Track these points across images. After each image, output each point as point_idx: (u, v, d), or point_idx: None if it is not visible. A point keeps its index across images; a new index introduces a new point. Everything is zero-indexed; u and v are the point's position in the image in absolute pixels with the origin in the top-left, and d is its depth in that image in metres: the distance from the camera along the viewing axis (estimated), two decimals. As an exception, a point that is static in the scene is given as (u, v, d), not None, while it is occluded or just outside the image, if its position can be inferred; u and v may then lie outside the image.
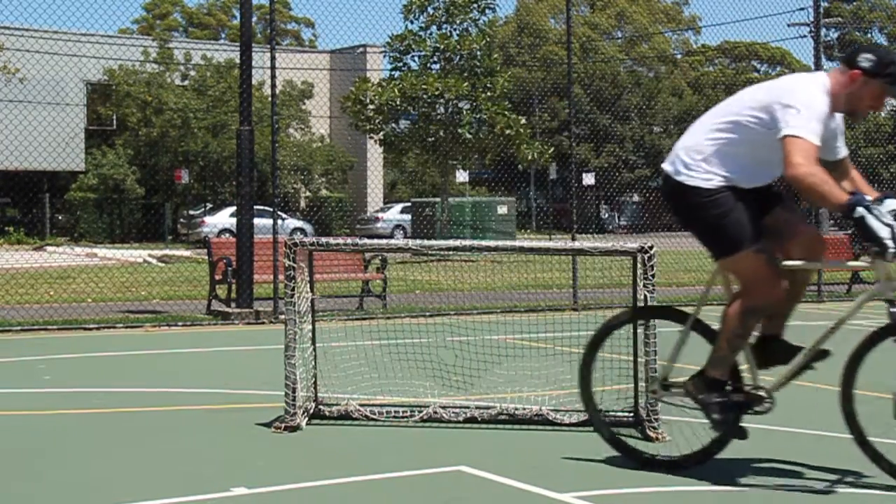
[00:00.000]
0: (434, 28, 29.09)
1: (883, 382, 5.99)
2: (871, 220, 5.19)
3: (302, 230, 35.77)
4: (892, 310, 5.54)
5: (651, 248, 6.48)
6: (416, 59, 29.45)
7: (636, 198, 54.57)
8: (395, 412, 6.77)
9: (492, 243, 6.92)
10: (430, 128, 28.57)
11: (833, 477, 5.58)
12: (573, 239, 15.17)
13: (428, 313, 13.66)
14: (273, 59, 13.76)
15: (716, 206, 5.45)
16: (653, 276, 6.47)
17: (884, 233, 5.20)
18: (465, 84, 27.91)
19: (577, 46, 44.33)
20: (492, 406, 6.82)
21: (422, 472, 5.55)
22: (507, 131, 28.29)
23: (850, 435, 5.47)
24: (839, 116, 5.67)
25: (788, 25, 37.31)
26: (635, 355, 6.64)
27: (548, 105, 49.59)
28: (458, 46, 28.38)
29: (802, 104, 5.33)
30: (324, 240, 6.73)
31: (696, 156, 5.55)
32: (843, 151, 5.74)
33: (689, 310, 5.93)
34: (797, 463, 5.90)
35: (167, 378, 8.75)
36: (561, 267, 18.45)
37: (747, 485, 5.42)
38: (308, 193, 42.56)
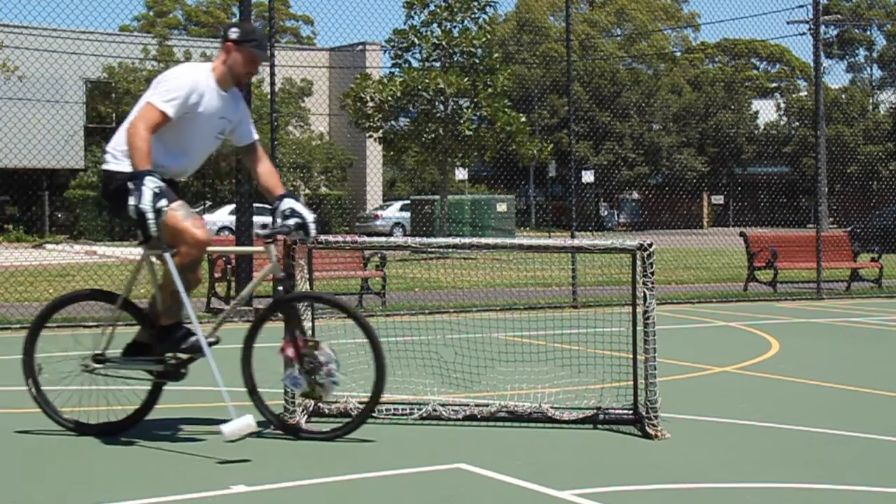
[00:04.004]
0: (435, 25, 29.10)
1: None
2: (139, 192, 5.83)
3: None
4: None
5: (650, 245, 6.47)
6: (416, 56, 29.46)
7: (635, 195, 54.56)
8: (394, 410, 6.77)
9: (491, 241, 6.92)
10: (430, 125, 28.57)
11: (833, 476, 5.58)
12: (572, 236, 15.17)
13: (427, 311, 13.66)
14: (272, 56, 13.75)
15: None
16: (652, 273, 6.47)
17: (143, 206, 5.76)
18: (466, 80, 27.92)
19: (576, 44, 44.32)
20: (491, 403, 6.82)
21: (421, 469, 5.55)
22: (507, 128, 28.32)
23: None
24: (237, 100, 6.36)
25: (788, 23, 37.33)
26: (634, 353, 6.63)
27: (547, 102, 49.60)
28: (461, 42, 28.39)
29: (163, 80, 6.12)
30: (323, 238, 6.72)
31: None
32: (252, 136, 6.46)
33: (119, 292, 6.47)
34: (797, 462, 5.91)
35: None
36: (560, 264, 18.47)
37: (746, 483, 5.42)
38: (307, 191, 42.56)
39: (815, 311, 14.74)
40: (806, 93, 56.04)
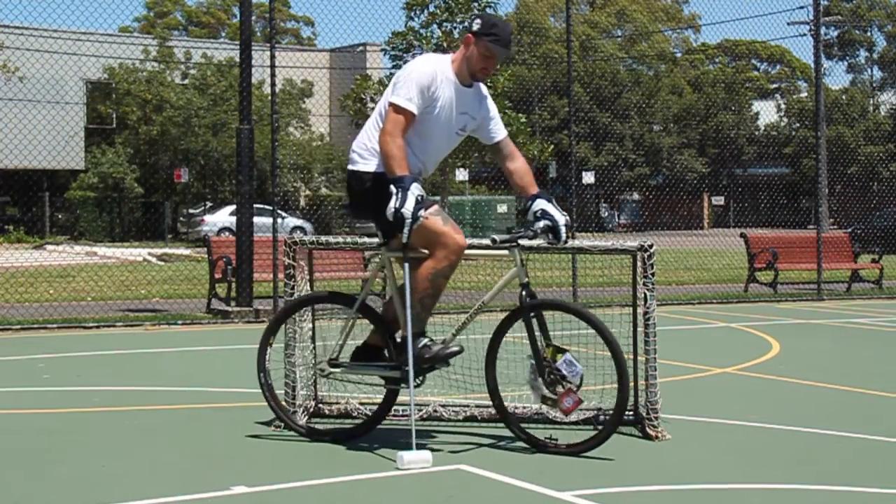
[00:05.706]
0: (434, 26, 29.10)
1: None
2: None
3: (302, 229, 35.77)
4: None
5: (651, 246, 6.46)
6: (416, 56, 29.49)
7: (636, 196, 54.55)
8: (394, 410, 6.76)
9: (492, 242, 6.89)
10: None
11: (831, 477, 5.58)
12: (573, 237, 15.16)
13: (428, 312, 13.62)
14: (273, 57, 13.77)
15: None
16: (652, 274, 6.46)
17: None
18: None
19: (576, 45, 44.31)
20: (491, 404, 6.80)
21: (421, 470, 5.54)
22: (508, 129, 28.35)
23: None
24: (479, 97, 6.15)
25: (788, 24, 37.33)
26: (635, 354, 6.62)
27: (548, 103, 49.58)
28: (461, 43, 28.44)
29: (402, 76, 5.92)
30: (324, 238, 6.71)
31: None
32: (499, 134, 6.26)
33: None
34: (795, 462, 5.90)
35: (167, 377, 8.75)
36: (560, 265, 18.45)
37: (746, 484, 5.42)
38: (308, 192, 42.55)
39: (815, 312, 14.74)
40: (806, 94, 56.04)
